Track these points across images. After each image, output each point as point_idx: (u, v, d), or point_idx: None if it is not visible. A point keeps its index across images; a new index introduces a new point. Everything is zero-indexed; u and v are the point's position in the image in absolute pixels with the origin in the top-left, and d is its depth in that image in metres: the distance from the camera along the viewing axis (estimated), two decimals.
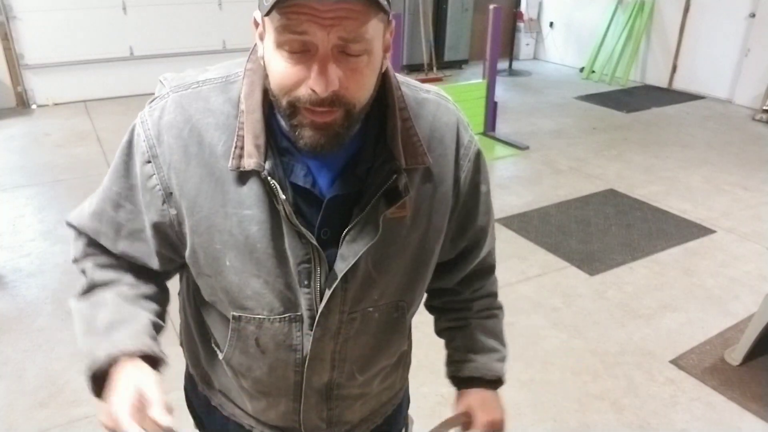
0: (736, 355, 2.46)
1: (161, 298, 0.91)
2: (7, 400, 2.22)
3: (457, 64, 7.54)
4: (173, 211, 0.79)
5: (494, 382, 1.02)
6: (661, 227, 3.62)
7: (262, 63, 0.73)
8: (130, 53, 6.03)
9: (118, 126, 5.23)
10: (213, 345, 0.93)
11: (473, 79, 5.82)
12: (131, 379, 0.75)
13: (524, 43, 8.16)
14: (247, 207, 0.76)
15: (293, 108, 0.69)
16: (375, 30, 0.67)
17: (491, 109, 5.04)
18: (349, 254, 0.78)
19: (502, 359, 1.03)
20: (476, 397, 1.01)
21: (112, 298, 0.84)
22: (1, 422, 2.12)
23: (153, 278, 0.89)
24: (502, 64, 7.29)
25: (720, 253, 3.34)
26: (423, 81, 1.15)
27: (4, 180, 4.14)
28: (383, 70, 0.75)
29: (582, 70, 7.46)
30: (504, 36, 7.19)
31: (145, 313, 0.85)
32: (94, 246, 0.88)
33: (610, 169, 4.50)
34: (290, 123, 0.71)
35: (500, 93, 5.83)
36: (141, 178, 0.79)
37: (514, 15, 7.69)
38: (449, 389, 1.05)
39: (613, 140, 5.14)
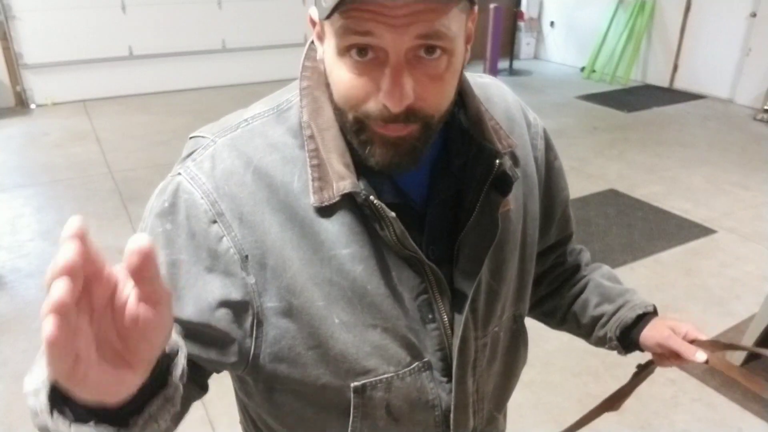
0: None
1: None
2: (6, 401, 2.21)
3: None
4: (251, 279, 0.62)
5: (654, 312, 0.89)
6: (662, 227, 3.60)
7: (322, 67, 0.62)
8: (129, 53, 6.03)
9: (117, 126, 5.24)
10: None
11: None
12: None
13: (525, 42, 8.15)
14: (344, 245, 0.63)
15: (361, 124, 0.59)
16: (457, 23, 0.56)
17: None
18: (469, 266, 0.68)
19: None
20: (662, 324, 0.85)
21: None
22: (0, 423, 2.12)
23: None
24: (503, 64, 7.29)
25: (721, 253, 3.33)
26: None
27: (3, 180, 4.14)
28: (465, 65, 0.64)
29: (583, 69, 7.45)
30: (504, 35, 7.19)
31: None
32: None
33: (611, 169, 4.49)
34: (358, 139, 0.60)
35: None
36: (204, 245, 0.62)
37: (514, 14, 7.68)
38: None
39: (614, 140, 5.13)
